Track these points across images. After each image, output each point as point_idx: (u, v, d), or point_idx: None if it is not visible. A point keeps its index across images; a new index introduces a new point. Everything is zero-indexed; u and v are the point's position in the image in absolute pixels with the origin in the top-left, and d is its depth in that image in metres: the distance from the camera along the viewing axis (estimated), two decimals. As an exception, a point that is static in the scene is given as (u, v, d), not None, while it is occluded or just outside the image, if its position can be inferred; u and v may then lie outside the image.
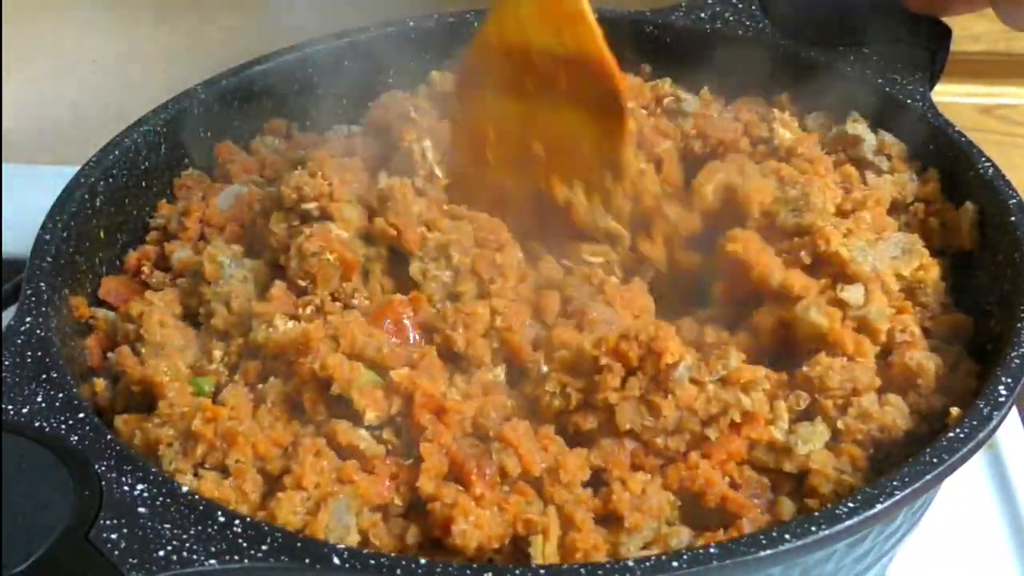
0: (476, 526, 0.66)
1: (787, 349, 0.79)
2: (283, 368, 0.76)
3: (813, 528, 0.62)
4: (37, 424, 0.68)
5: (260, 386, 0.76)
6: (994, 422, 0.68)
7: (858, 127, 0.95)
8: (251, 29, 1.32)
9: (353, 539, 0.67)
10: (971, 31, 1.23)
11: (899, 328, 0.78)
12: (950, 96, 1.28)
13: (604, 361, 0.72)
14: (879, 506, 0.63)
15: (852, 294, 0.78)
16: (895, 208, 0.89)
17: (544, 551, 0.66)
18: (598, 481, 0.71)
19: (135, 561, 0.59)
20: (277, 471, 0.70)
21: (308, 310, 0.80)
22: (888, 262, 0.81)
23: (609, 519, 0.69)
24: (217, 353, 0.79)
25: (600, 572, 0.60)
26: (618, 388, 0.72)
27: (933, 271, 0.83)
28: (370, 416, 0.72)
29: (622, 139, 0.85)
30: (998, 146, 1.26)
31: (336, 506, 0.68)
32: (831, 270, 0.80)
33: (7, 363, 0.72)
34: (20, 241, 0.87)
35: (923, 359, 0.76)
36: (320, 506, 0.68)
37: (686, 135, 0.95)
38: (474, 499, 0.67)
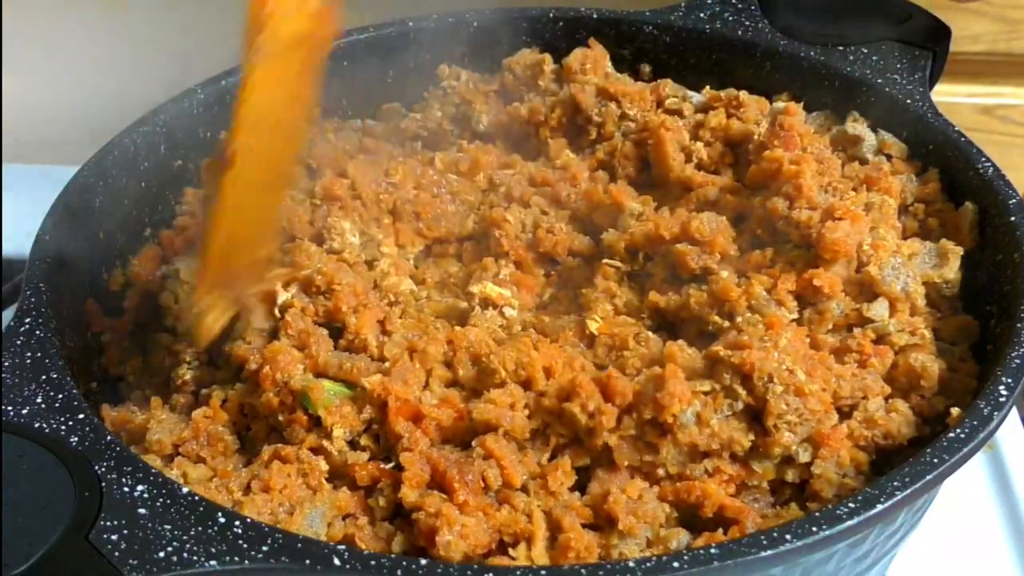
0: (461, 536, 0.65)
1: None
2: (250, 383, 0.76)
3: (814, 528, 0.61)
4: (37, 425, 0.68)
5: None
6: (994, 422, 0.68)
7: (858, 127, 0.94)
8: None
9: None
10: (971, 31, 1.23)
11: (909, 330, 0.78)
12: (950, 96, 1.28)
13: (590, 424, 0.69)
14: (880, 506, 0.63)
15: (877, 311, 0.78)
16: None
17: (531, 556, 0.66)
18: (587, 478, 0.71)
19: (135, 562, 0.59)
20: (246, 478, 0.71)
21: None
22: (924, 274, 0.81)
23: (600, 524, 0.69)
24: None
25: (601, 572, 0.59)
26: (613, 428, 0.70)
27: (957, 272, 0.83)
28: (338, 432, 0.72)
29: None
30: (998, 146, 1.26)
31: (311, 512, 0.68)
32: (859, 279, 0.80)
33: (7, 363, 0.72)
34: (20, 241, 0.87)
35: (927, 361, 0.76)
36: (294, 511, 0.68)
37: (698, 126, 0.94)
38: (458, 506, 0.67)
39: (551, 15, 1.05)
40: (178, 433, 0.74)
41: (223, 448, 0.74)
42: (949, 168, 0.90)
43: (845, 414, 0.74)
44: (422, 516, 0.67)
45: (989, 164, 0.87)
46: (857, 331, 0.78)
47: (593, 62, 0.99)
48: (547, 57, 1.01)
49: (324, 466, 0.71)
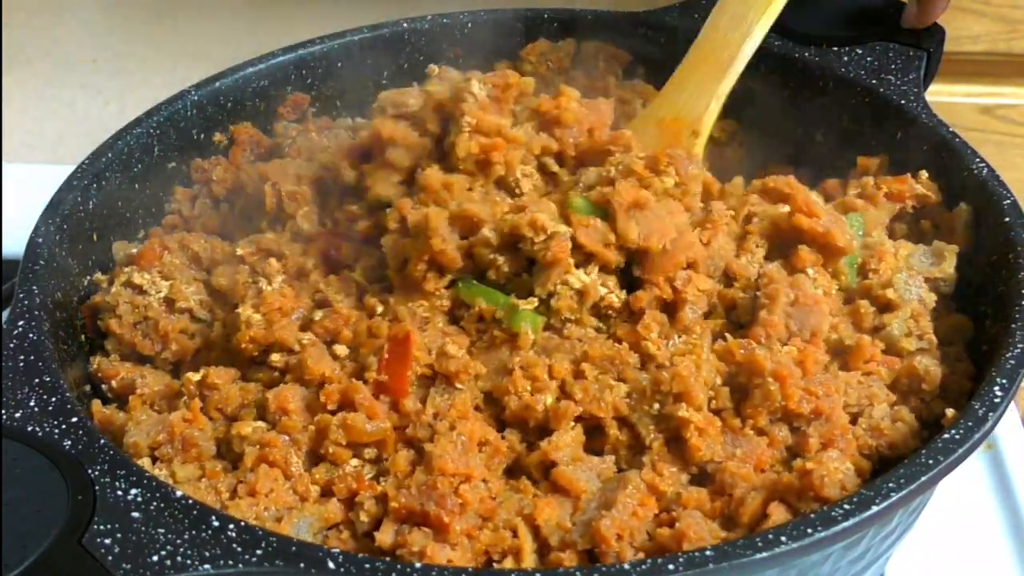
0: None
1: None
2: None
3: (809, 530, 0.61)
4: (30, 428, 0.68)
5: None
6: (989, 423, 0.68)
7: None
8: (250, 29, 1.32)
9: None
10: (971, 31, 1.23)
11: (917, 334, 0.78)
12: (950, 96, 1.28)
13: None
14: (875, 508, 0.63)
15: (895, 323, 0.79)
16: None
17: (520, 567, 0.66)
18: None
19: (129, 566, 0.59)
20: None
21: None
22: (925, 272, 0.82)
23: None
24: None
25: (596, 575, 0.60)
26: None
27: (953, 269, 0.83)
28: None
29: None
30: (999, 146, 1.26)
31: (299, 522, 0.68)
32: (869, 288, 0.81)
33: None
34: (20, 241, 0.86)
35: (931, 365, 0.76)
36: (282, 518, 0.68)
37: None
38: (445, 535, 0.66)
39: (546, 15, 1.05)
40: (154, 436, 0.73)
41: (196, 454, 0.72)
42: (943, 169, 0.90)
43: (850, 422, 0.74)
44: (405, 554, 0.66)
45: (983, 165, 0.86)
46: (866, 340, 0.77)
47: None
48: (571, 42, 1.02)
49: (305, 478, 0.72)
